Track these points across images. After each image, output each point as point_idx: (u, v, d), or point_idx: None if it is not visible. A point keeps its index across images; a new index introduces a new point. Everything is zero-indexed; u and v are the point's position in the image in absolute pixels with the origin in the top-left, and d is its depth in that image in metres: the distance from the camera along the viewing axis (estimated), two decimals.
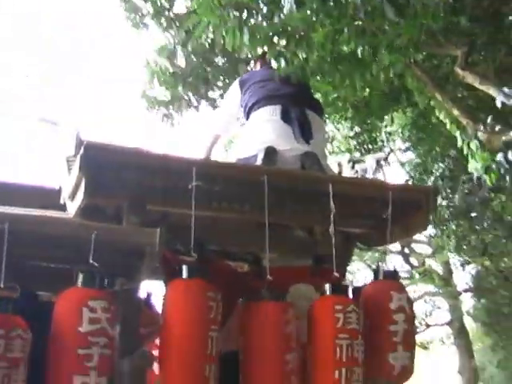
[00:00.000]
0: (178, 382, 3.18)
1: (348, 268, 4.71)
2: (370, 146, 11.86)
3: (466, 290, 27.25)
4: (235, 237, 4.22)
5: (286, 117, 4.27)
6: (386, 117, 10.82)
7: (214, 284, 3.30)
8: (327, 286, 3.54)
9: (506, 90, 6.60)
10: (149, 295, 4.32)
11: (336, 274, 3.57)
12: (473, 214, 13.02)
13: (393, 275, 3.93)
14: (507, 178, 6.47)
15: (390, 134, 12.74)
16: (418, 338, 29.38)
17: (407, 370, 3.71)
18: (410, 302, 3.84)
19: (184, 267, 3.29)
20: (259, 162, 4.05)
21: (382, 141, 12.75)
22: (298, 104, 4.40)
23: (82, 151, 3.23)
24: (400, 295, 3.71)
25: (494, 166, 6.28)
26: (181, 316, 3.18)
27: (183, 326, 3.16)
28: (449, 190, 11.98)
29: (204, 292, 3.23)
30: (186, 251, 3.42)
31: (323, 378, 3.41)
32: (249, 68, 6.65)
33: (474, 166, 5.98)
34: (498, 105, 6.14)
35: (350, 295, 3.70)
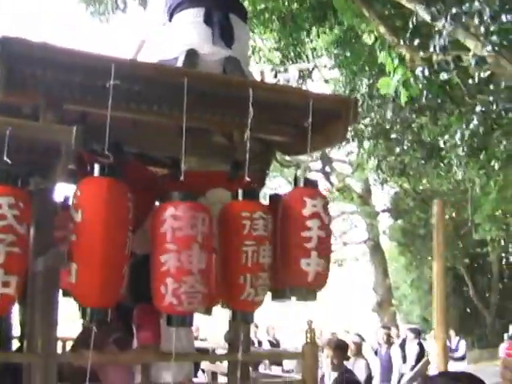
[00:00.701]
0: (97, 280, 3.15)
1: (267, 180, 4.71)
2: (295, 61, 11.80)
3: (383, 211, 28.01)
4: (155, 140, 4.19)
5: (208, 20, 4.17)
6: (312, 32, 10.74)
7: (130, 186, 3.26)
8: (238, 191, 3.51)
9: (433, 9, 6.65)
10: (66, 199, 4.26)
11: (248, 179, 3.53)
12: (393, 135, 13.25)
13: (312, 183, 3.88)
14: (424, 93, 6.59)
15: (315, 49, 12.66)
16: (335, 256, 30.27)
17: (322, 278, 3.69)
18: (327, 209, 3.77)
19: (96, 165, 3.22)
20: (180, 64, 3.95)
21: (307, 56, 12.66)
22: (221, 8, 4.30)
23: None
24: (315, 201, 3.65)
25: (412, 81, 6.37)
26: (92, 214, 3.13)
27: (95, 224, 3.12)
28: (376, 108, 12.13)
29: (115, 191, 3.20)
30: (102, 152, 3.36)
31: (229, 282, 3.44)
32: None
33: (388, 82, 5.99)
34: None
35: (263, 202, 3.71)
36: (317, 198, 3.69)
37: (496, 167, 10.91)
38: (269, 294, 3.74)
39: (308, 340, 3.90)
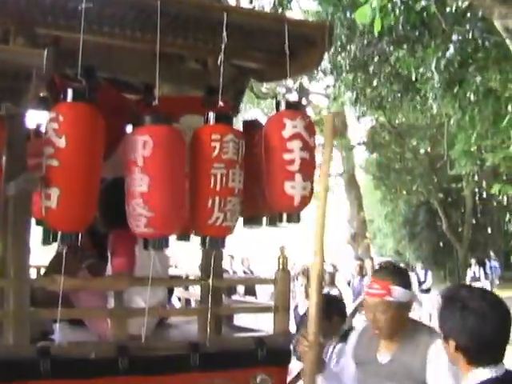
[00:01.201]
0: (79, 205, 3.18)
1: (243, 111, 4.66)
2: None
3: (359, 144, 28.06)
4: (128, 65, 4.12)
5: None
6: None
7: (103, 110, 3.23)
8: (210, 115, 3.44)
9: None
10: (38, 126, 4.23)
11: (221, 104, 3.49)
12: (371, 68, 13.17)
13: (295, 105, 3.81)
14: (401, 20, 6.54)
15: None
16: None
17: (307, 201, 3.67)
18: (310, 129, 3.68)
19: (73, 90, 3.18)
20: None
21: None
22: None
23: None
24: (295, 122, 3.59)
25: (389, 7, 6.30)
26: (77, 140, 3.14)
27: (80, 150, 3.14)
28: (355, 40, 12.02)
29: (96, 116, 3.18)
30: (74, 77, 3.32)
31: (198, 206, 3.42)
32: None
33: (365, 12, 5.90)
34: None
35: (240, 128, 3.67)
36: (297, 119, 3.61)
37: (471, 100, 10.90)
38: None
39: (280, 266, 3.93)
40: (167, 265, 4.27)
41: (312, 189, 3.71)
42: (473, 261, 21.70)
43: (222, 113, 3.49)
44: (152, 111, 3.36)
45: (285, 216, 3.74)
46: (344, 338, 4.11)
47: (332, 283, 9.26)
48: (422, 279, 17.15)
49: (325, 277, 9.14)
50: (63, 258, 3.32)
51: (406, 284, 3.26)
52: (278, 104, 3.82)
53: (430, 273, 18.70)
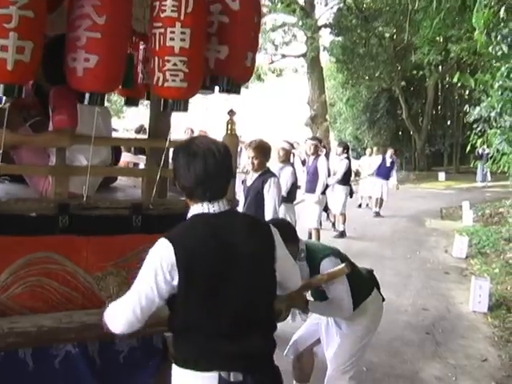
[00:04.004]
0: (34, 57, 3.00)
1: None
2: None
3: (325, 26, 27.67)
4: None
5: None
6: None
7: None
8: None
9: None
10: None
11: None
12: None
13: None
14: None
15: None
16: (274, 66, 30.17)
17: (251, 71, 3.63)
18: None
19: None
20: None
21: None
22: None
23: None
24: None
25: None
26: None
27: None
28: None
29: None
30: None
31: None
32: None
33: None
34: None
35: None
36: None
37: None
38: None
39: (228, 131, 3.84)
40: (110, 125, 4.15)
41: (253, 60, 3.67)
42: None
43: None
44: None
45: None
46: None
47: (287, 160, 9.20)
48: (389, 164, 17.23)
49: (279, 153, 9.13)
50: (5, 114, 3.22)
51: None
52: None
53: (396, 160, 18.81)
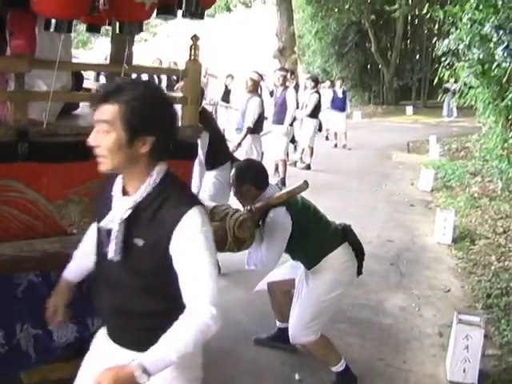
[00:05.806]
0: None
1: None
2: None
3: None
4: None
5: None
6: None
7: None
8: None
9: None
10: None
11: None
12: None
13: None
14: None
15: None
16: None
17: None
18: None
19: None
20: None
21: None
22: None
23: None
24: None
25: None
26: None
27: None
28: None
29: None
30: None
31: None
32: None
33: None
34: None
35: None
36: None
37: None
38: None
39: (191, 57, 3.75)
40: (70, 50, 4.02)
41: None
42: None
43: None
44: None
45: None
46: None
47: (255, 90, 9.12)
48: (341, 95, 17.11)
49: (248, 83, 9.04)
50: None
51: None
52: None
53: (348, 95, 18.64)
